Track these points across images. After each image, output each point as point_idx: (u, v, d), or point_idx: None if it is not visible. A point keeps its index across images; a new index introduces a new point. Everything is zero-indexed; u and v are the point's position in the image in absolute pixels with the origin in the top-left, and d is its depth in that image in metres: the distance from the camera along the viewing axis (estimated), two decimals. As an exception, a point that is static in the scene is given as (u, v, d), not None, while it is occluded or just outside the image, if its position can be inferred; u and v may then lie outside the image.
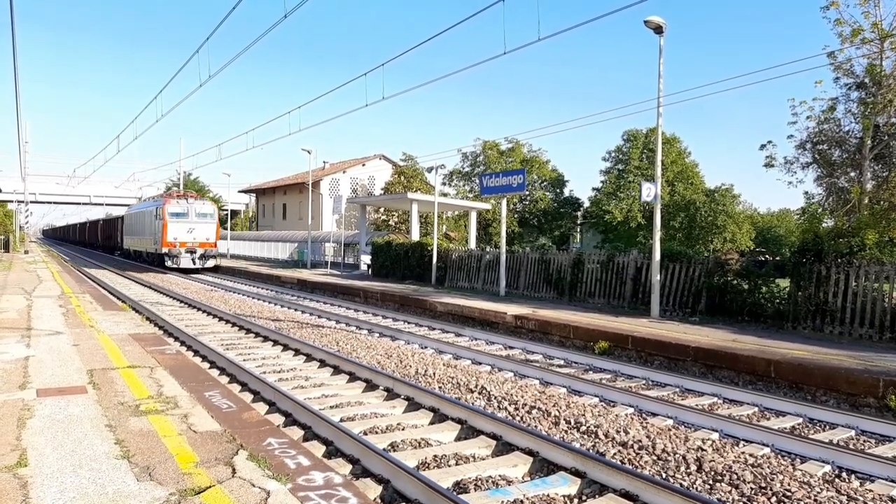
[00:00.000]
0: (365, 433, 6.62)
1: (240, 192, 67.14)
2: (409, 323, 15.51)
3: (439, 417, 7.25)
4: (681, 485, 5.42)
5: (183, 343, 11.83)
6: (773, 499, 5.16)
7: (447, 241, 28.10)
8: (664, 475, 5.65)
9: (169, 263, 32.60)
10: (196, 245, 33.43)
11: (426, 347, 12.14)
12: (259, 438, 5.09)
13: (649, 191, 14.67)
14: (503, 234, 20.33)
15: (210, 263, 34.06)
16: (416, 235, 29.03)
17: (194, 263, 33.17)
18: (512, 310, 15.14)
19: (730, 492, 5.29)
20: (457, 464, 5.84)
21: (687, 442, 6.54)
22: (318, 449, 5.95)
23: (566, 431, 6.91)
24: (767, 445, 6.49)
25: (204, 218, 34.11)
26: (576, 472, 5.46)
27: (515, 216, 46.34)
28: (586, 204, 49.00)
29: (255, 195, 65.94)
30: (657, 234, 14.84)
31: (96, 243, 65.66)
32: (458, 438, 6.69)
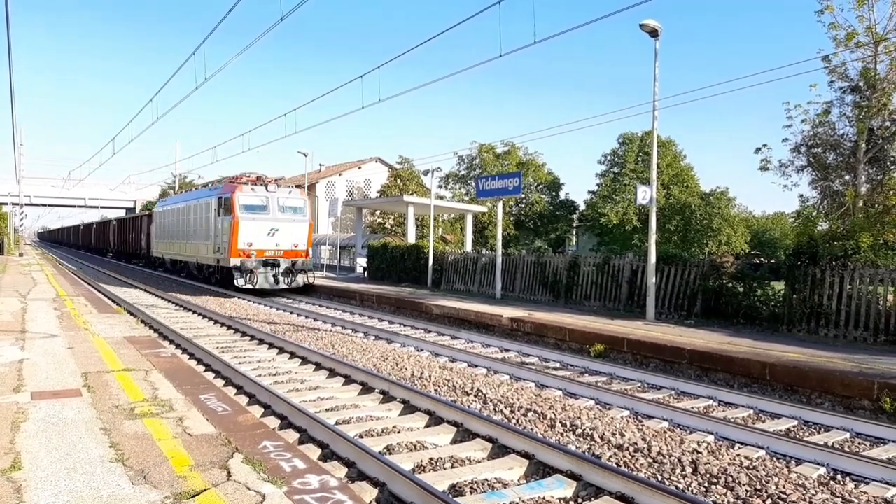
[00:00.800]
0: (361, 436, 6.61)
1: (236, 194, 66.92)
2: (405, 326, 15.49)
3: (435, 420, 7.25)
4: (676, 487, 5.43)
5: (178, 346, 11.79)
6: (769, 501, 5.17)
7: (443, 243, 28.10)
8: (660, 478, 5.66)
9: (240, 282, 21.44)
10: (280, 254, 22.18)
11: (422, 350, 12.13)
12: (254, 441, 5.07)
13: (645, 194, 14.70)
14: (499, 236, 20.34)
15: (300, 281, 22.74)
16: (412, 238, 29.05)
17: (277, 282, 22.10)
18: (508, 312, 15.15)
19: (725, 494, 5.30)
20: (452, 466, 5.84)
21: (682, 444, 6.55)
22: (313, 452, 5.94)
23: (562, 434, 6.91)
24: (763, 448, 6.50)
25: (292, 213, 22.93)
26: (571, 475, 5.46)
27: (511, 219, 46.39)
28: (582, 207, 49.09)
29: (251, 198, 65.78)
30: (653, 237, 14.87)
31: (108, 248, 53.29)
32: (453, 441, 6.69)
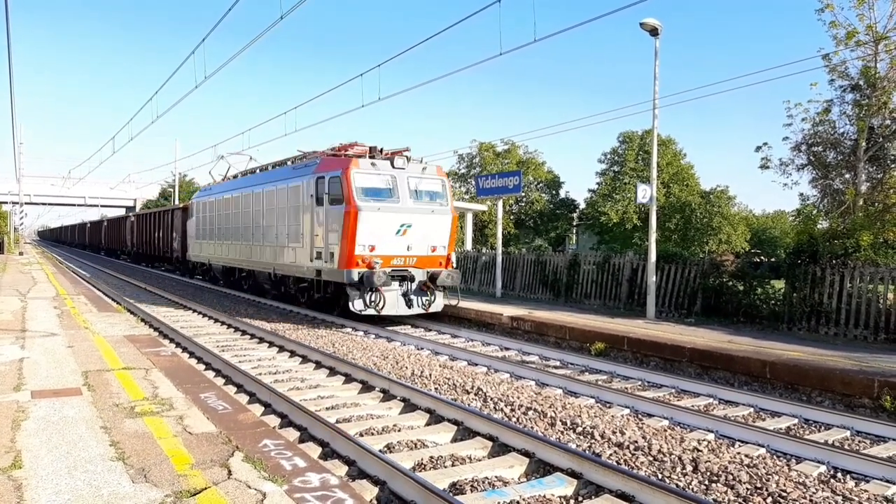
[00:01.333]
0: (361, 434, 6.61)
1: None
2: (404, 324, 15.48)
3: (435, 419, 7.25)
4: (677, 485, 5.43)
5: (178, 345, 11.79)
6: (769, 499, 5.17)
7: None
8: (660, 476, 5.65)
9: (358, 305, 14.31)
10: (413, 262, 14.98)
11: (422, 349, 12.13)
12: (255, 440, 5.08)
13: (645, 192, 14.70)
14: (499, 235, 20.34)
15: (438, 303, 15.36)
16: (412, 237, 28.98)
17: (409, 304, 14.99)
18: (508, 311, 15.14)
19: (725, 492, 5.30)
20: (453, 465, 5.84)
21: (683, 443, 6.54)
22: (314, 450, 5.94)
23: (562, 432, 6.91)
24: (763, 446, 6.50)
25: (428, 201, 15.48)
26: (572, 473, 5.46)
27: (511, 217, 46.36)
28: (582, 205, 49.08)
29: (251, 196, 65.61)
30: (653, 236, 14.87)
31: (123, 249, 45.88)
32: (454, 439, 6.69)
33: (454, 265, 15.80)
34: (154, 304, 18.46)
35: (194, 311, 17.09)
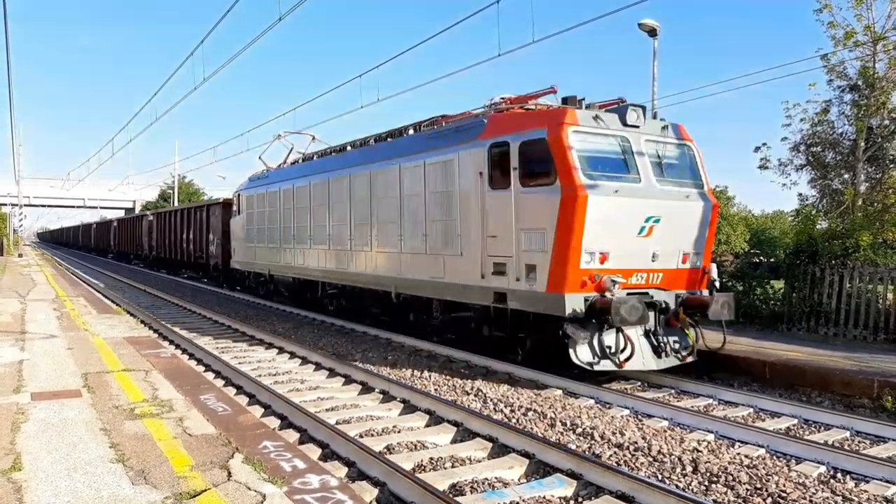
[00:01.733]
0: (361, 436, 6.61)
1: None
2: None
3: (435, 420, 7.25)
4: (676, 486, 5.43)
5: (178, 346, 11.78)
6: (769, 500, 5.17)
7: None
8: (660, 477, 5.65)
9: (583, 354, 8.62)
10: (659, 280, 9.15)
11: (421, 349, 12.09)
12: (255, 441, 5.08)
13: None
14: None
15: (689, 354, 9.44)
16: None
17: (658, 351, 9.01)
18: (508, 312, 15.08)
19: (725, 493, 5.30)
20: (453, 466, 5.84)
21: (682, 443, 6.54)
22: (313, 452, 5.94)
23: (562, 433, 6.91)
24: (763, 446, 6.49)
25: (680, 180, 9.51)
26: (572, 474, 5.46)
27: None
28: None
29: (250, 198, 65.39)
30: (652, 236, 14.82)
31: (138, 252, 40.48)
32: (454, 441, 6.69)
33: (716, 283, 10.01)
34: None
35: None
